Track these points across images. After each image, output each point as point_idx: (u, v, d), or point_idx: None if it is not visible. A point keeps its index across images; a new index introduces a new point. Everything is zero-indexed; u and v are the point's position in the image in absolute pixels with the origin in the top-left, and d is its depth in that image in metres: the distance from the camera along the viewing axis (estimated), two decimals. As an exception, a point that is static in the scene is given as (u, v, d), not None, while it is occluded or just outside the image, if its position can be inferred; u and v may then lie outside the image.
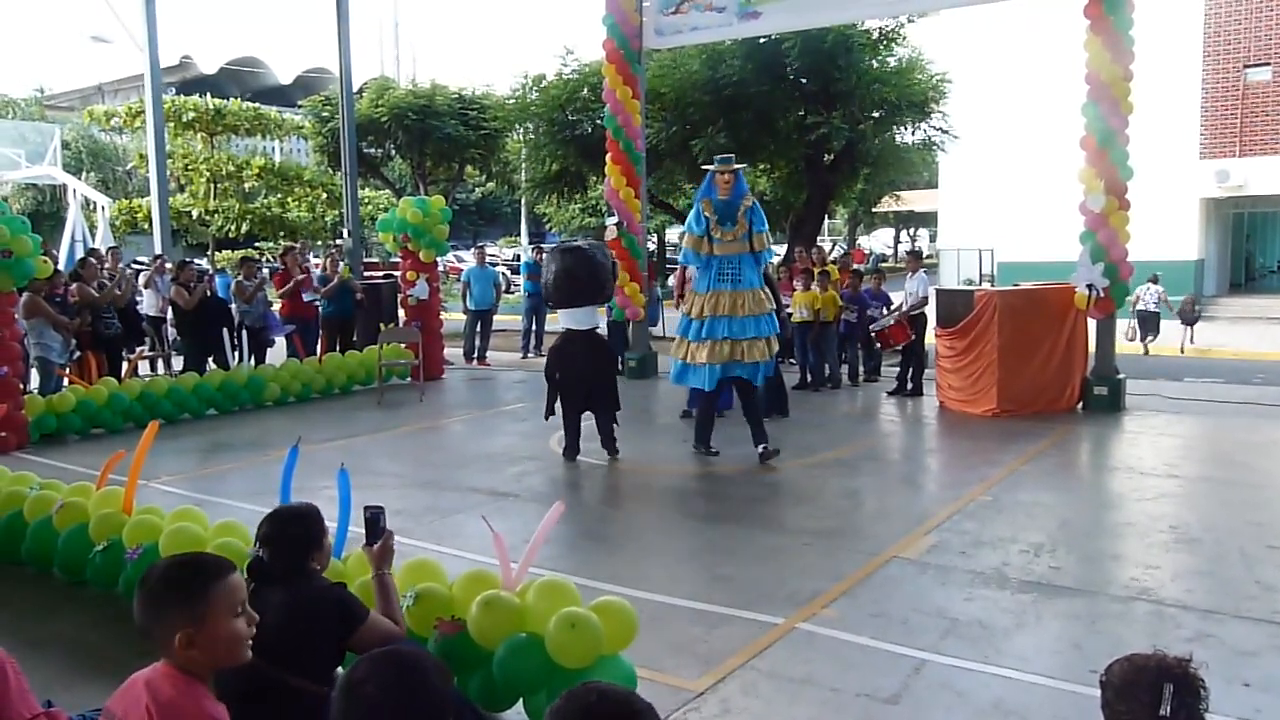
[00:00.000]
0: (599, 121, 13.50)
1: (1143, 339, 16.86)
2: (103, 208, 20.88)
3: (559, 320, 7.83)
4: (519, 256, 32.69)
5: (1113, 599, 4.63)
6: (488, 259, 15.74)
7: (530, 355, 15.07)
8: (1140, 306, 16.83)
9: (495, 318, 14.95)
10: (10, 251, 8.24)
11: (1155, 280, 17.01)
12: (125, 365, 11.07)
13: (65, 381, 9.75)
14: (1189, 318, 17.46)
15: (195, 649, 1.99)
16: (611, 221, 12.23)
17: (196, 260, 16.36)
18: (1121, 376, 9.56)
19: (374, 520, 3.24)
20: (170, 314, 12.29)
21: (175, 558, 2.21)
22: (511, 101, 18.52)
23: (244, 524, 4.67)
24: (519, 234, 41.48)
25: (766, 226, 7.55)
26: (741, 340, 7.27)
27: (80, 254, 15.88)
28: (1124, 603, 4.58)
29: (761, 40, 13.35)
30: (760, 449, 7.47)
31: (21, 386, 9.10)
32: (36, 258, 8.64)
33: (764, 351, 7.37)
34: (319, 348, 12.70)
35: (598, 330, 8.01)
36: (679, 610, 4.57)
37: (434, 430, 9.61)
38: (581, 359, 7.63)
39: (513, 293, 28.62)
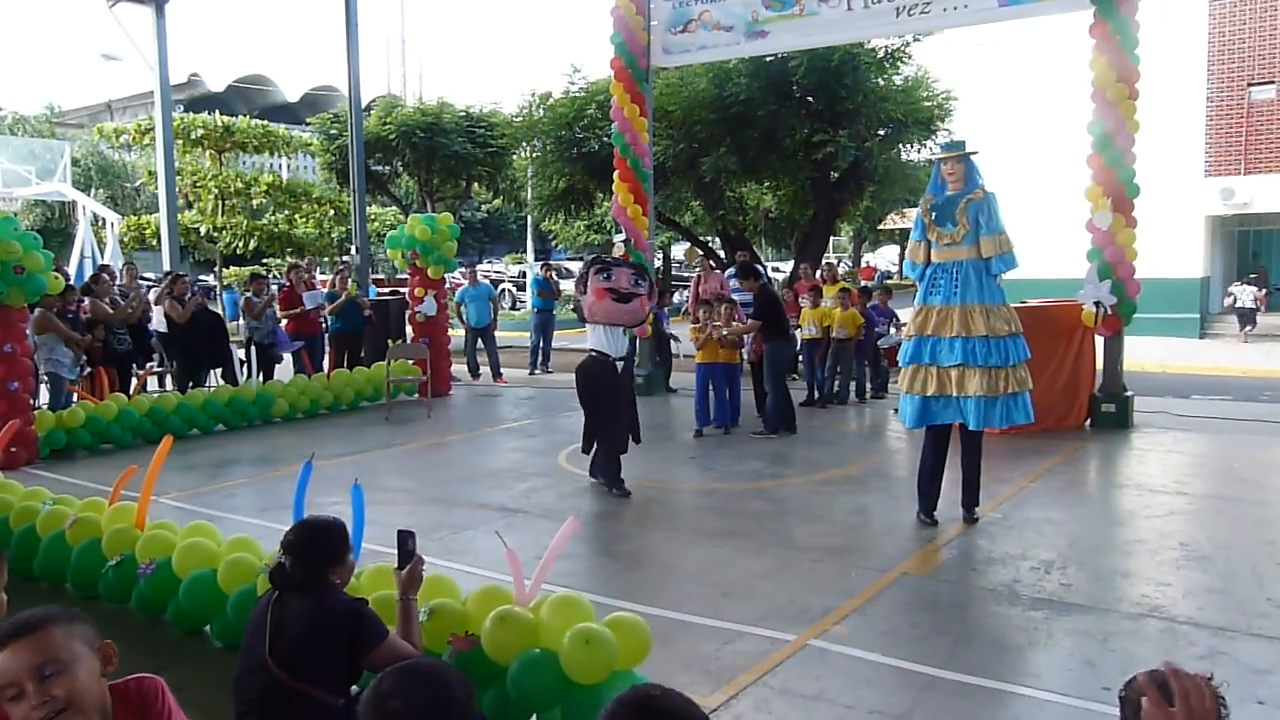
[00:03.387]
0: (606, 139, 13.56)
1: (1241, 330, 20.48)
2: (112, 224, 21.01)
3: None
4: (525, 274, 32.81)
5: (1124, 616, 4.62)
6: (480, 277, 15.76)
7: (538, 372, 15.08)
8: (1238, 304, 20.52)
9: (500, 334, 14.96)
10: (23, 268, 8.29)
11: (1249, 281, 20.89)
12: (134, 381, 11.12)
13: (75, 397, 9.79)
14: (1263, 281, 21.91)
15: None
16: (619, 239, 12.29)
17: (201, 276, 16.42)
18: (1129, 394, 9.56)
19: (404, 543, 3.25)
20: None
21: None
22: (519, 119, 18.60)
23: (255, 539, 4.70)
24: (525, 251, 41.58)
25: (1003, 226, 5.95)
26: (949, 368, 5.89)
27: (90, 270, 15.98)
28: (1136, 620, 4.57)
29: (768, 59, 13.43)
30: (964, 512, 6.27)
31: (32, 402, 9.14)
32: (48, 274, 8.69)
33: (985, 385, 5.79)
34: (327, 364, 12.75)
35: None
36: (691, 626, 4.57)
37: (442, 446, 9.62)
38: None
39: (518, 309, 28.64)
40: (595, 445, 7.48)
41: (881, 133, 14.63)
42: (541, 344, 15.30)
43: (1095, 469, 8.25)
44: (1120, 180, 9.12)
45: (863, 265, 37.43)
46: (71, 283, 11.81)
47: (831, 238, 21.61)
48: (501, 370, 14.21)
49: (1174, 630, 4.43)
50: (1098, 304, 9.19)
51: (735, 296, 10.64)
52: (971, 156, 6.15)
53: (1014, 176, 22.17)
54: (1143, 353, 15.54)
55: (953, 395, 5.91)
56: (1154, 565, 5.38)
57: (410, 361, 12.06)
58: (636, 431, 7.64)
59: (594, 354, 7.29)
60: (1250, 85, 21.78)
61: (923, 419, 6.08)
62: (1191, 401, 11.58)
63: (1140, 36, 9.05)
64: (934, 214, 6.09)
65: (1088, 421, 9.49)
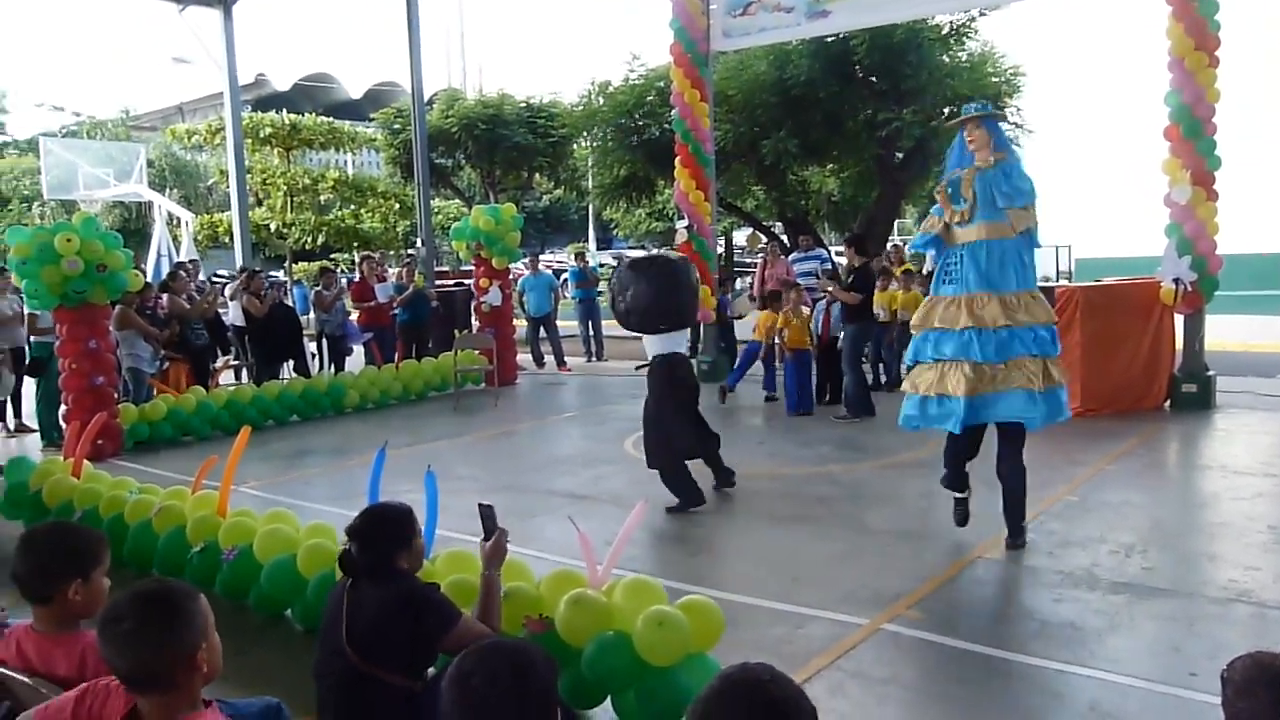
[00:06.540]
0: (667, 126, 13.52)
1: None
2: (186, 223, 21.57)
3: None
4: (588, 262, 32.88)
5: (1210, 600, 4.48)
6: (542, 266, 15.85)
7: (593, 360, 15.12)
8: None
9: (562, 323, 15.05)
10: (105, 266, 8.58)
11: None
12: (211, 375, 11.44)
13: (154, 391, 10.10)
14: None
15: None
16: (681, 225, 12.26)
17: (271, 272, 16.79)
18: (1211, 373, 9.25)
19: (487, 517, 3.30)
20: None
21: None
22: (579, 108, 18.64)
23: (333, 526, 4.80)
24: (586, 240, 41.74)
25: (1027, 197, 5.00)
26: (997, 364, 5.02)
27: (166, 268, 16.46)
28: (1222, 604, 4.43)
29: (829, 39, 13.25)
30: (1009, 539, 5.31)
31: (116, 395, 9.45)
32: (129, 271, 8.98)
33: (1032, 377, 4.99)
34: (396, 355, 12.96)
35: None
36: (762, 611, 4.56)
37: (509, 435, 9.72)
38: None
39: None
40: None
41: (947, 110, 14.33)
42: (590, 333, 15.34)
43: (1176, 450, 8.01)
44: (1200, 152, 8.80)
45: (929, 247, 36.74)
46: (149, 280, 12.19)
47: (896, 220, 21.27)
48: (565, 358, 14.30)
49: (1264, 615, 4.29)
50: (1177, 281, 8.90)
51: (800, 281, 10.56)
52: (995, 119, 5.27)
53: (1087, 151, 21.62)
54: (1225, 331, 15.00)
55: (999, 388, 5.07)
56: (1241, 548, 5.21)
57: (477, 351, 12.19)
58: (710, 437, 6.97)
59: (676, 355, 6.73)
60: (1338, 48, 20.85)
61: (961, 423, 5.13)
62: (1277, 381, 11.16)
63: (1219, 0, 8.70)
64: (949, 189, 5.15)
65: (1167, 402, 9.21)
